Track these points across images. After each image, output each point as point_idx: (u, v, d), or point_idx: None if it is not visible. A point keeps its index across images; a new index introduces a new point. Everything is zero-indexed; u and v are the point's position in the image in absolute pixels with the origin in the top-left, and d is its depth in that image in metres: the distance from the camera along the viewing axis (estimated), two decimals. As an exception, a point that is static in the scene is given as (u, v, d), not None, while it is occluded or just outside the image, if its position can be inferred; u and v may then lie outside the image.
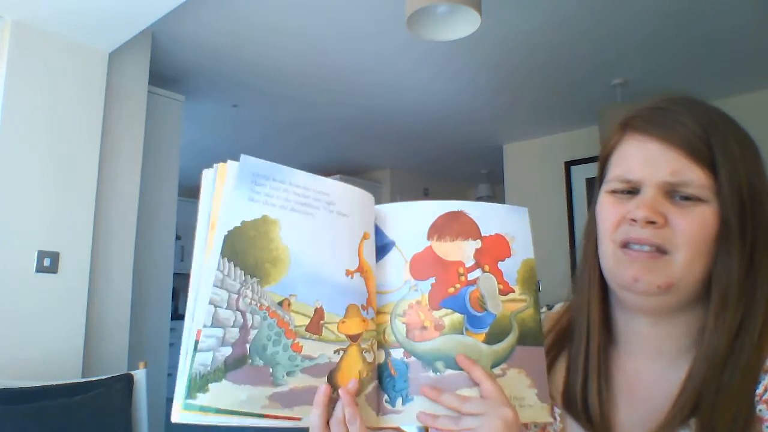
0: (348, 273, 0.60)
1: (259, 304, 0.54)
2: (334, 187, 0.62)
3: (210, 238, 0.55)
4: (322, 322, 0.57)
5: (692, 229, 0.59)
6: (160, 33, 2.92)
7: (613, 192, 0.65)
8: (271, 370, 0.53)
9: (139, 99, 2.83)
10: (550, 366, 0.70)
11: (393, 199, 5.82)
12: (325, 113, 4.23)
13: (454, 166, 5.84)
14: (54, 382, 2.06)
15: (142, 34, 2.66)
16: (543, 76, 3.57)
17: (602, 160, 0.71)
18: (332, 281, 0.59)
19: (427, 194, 6.17)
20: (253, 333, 0.53)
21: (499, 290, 0.64)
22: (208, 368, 0.51)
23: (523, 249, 0.67)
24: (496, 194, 6.05)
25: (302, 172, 0.61)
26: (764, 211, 0.61)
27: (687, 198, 0.60)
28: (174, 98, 3.20)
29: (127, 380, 2.22)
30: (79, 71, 2.50)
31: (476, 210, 0.66)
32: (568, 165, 4.60)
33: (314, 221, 0.59)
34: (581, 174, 4.50)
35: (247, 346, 0.53)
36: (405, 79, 3.60)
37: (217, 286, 0.53)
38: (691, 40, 3.03)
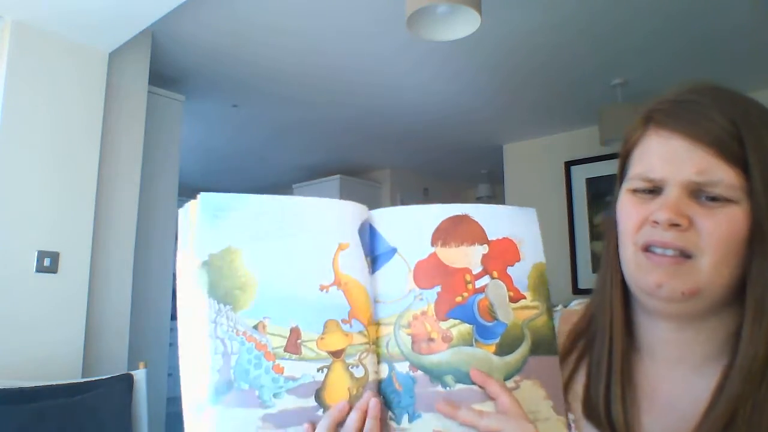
0: (323, 288, 0.58)
1: (235, 330, 0.55)
2: (299, 204, 0.61)
3: (187, 274, 0.57)
4: (299, 341, 0.56)
5: (719, 231, 0.55)
6: (160, 33, 2.92)
7: (635, 191, 0.61)
8: (257, 392, 0.54)
9: (139, 99, 2.83)
10: (571, 372, 0.66)
11: (393, 199, 5.83)
12: (326, 113, 4.23)
13: (454, 166, 5.84)
14: (54, 382, 2.06)
15: (142, 34, 2.66)
16: (543, 76, 3.57)
17: (623, 156, 0.66)
18: (305, 299, 0.57)
19: (427, 194, 6.17)
20: (234, 358, 0.54)
21: (510, 297, 0.61)
22: (201, 395, 0.53)
23: (533, 252, 0.63)
24: (496, 194, 6.05)
25: (264, 196, 0.60)
26: None
27: (714, 198, 0.56)
28: (174, 98, 3.20)
29: (127, 380, 2.22)
30: (79, 71, 2.50)
31: (482, 213, 0.63)
32: (568, 165, 4.60)
33: (279, 243, 0.59)
34: (581, 174, 4.51)
35: (231, 371, 0.54)
36: (405, 79, 3.60)
37: (193, 319, 0.56)
38: (691, 39, 3.03)
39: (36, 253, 2.29)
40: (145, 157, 2.82)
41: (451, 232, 0.61)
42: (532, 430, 0.54)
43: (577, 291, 4.40)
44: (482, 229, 0.62)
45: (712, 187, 0.55)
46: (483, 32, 2.38)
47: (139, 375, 2.27)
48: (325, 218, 0.61)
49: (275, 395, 0.54)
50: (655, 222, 0.57)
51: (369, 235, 0.62)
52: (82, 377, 2.32)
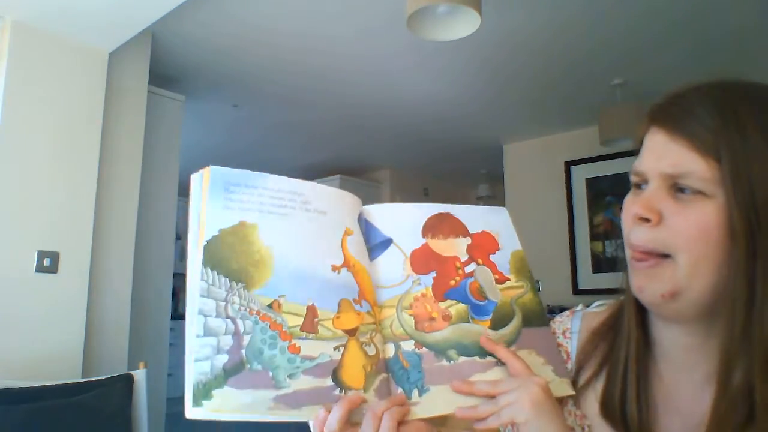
0: (335, 268, 0.60)
1: (248, 309, 0.54)
2: (306, 186, 0.62)
3: (198, 247, 0.55)
4: (316, 319, 0.56)
5: (689, 228, 0.54)
6: (160, 33, 2.92)
7: (634, 186, 0.61)
8: (271, 373, 0.53)
9: (139, 99, 2.83)
10: (593, 373, 0.67)
11: (393, 200, 5.83)
12: (326, 113, 4.23)
13: (454, 166, 5.84)
14: (54, 382, 2.06)
15: (142, 34, 2.67)
16: (543, 76, 3.57)
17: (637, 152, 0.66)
18: (320, 277, 0.59)
19: (427, 194, 6.17)
20: (246, 338, 0.53)
21: (496, 280, 0.68)
22: (209, 376, 0.51)
23: (509, 242, 0.71)
24: (496, 194, 6.05)
25: (273, 175, 0.60)
26: None
27: (687, 191, 0.55)
28: (174, 98, 3.20)
29: (127, 380, 2.22)
30: (79, 71, 2.50)
31: (460, 211, 0.71)
32: (568, 165, 4.60)
33: (293, 221, 0.59)
34: (581, 174, 4.51)
35: (243, 351, 0.52)
36: (405, 79, 3.61)
37: (203, 296, 0.53)
38: (692, 40, 3.03)
39: (36, 253, 2.29)
40: (145, 157, 2.82)
41: (437, 226, 0.68)
42: (543, 381, 0.58)
43: (577, 291, 4.40)
44: (463, 224, 0.70)
45: (683, 179, 0.55)
46: (483, 32, 2.39)
47: (139, 375, 2.26)
48: (330, 203, 0.63)
49: (290, 376, 0.53)
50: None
51: (365, 226, 0.67)
52: (82, 377, 2.32)
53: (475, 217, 0.71)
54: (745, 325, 0.53)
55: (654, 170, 0.57)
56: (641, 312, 0.64)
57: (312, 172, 5.78)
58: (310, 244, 0.60)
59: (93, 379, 2.20)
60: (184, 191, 3.71)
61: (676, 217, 0.55)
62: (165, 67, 3.29)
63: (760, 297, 0.52)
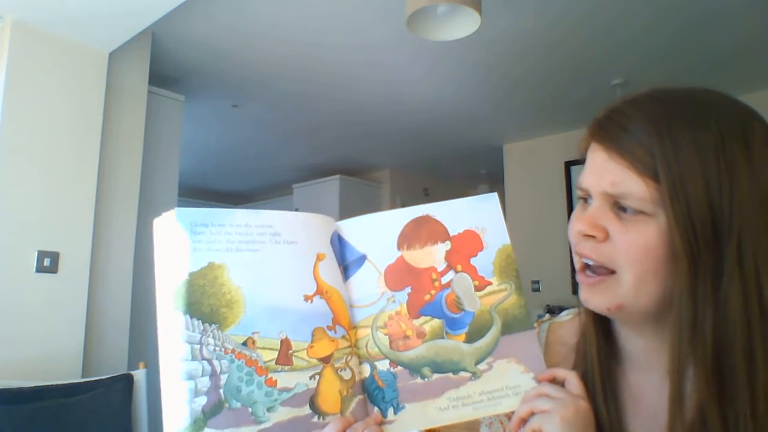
0: (307, 298, 0.60)
1: (223, 349, 0.55)
2: (276, 217, 0.62)
3: (168, 292, 0.56)
4: (290, 351, 0.58)
5: (632, 246, 0.55)
6: (160, 33, 2.92)
7: (580, 199, 0.62)
8: (250, 409, 0.54)
9: (139, 99, 2.83)
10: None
11: (393, 199, 5.83)
12: (326, 113, 4.23)
13: (454, 166, 5.84)
14: (54, 382, 2.06)
15: (142, 34, 2.67)
16: (543, 76, 3.57)
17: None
18: (292, 310, 0.59)
19: (427, 194, 6.17)
20: (223, 378, 0.54)
21: (475, 287, 0.65)
22: (188, 420, 0.52)
23: (496, 238, 0.67)
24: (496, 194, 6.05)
25: (240, 210, 0.60)
26: (744, 230, 0.52)
27: (630, 211, 0.55)
28: (174, 98, 3.20)
29: (127, 380, 2.22)
30: (79, 71, 2.50)
31: (442, 210, 0.67)
32: (568, 165, 4.60)
33: (262, 256, 0.59)
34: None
35: (221, 391, 0.53)
36: (406, 79, 3.61)
37: (177, 341, 0.54)
38: (692, 40, 3.03)
39: (36, 253, 2.29)
40: (145, 157, 2.82)
41: (414, 234, 0.66)
42: (582, 405, 0.58)
43: (577, 291, 4.39)
44: (444, 227, 0.67)
45: (624, 199, 0.55)
46: (483, 32, 2.39)
47: (139, 375, 2.27)
48: (300, 231, 0.63)
49: (269, 409, 0.55)
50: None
51: (339, 245, 0.66)
52: (82, 377, 2.32)
53: (459, 214, 0.67)
54: (691, 341, 0.54)
55: (596, 188, 0.58)
56: (603, 320, 0.65)
57: (312, 172, 5.78)
58: (282, 276, 0.60)
59: (93, 379, 2.20)
60: (184, 191, 3.70)
61: (620, 237, 0.56)
62: (165, 67, 3.29)
63: (702, 314, 0.53)
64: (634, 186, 0.54)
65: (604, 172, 0.57)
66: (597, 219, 0.57)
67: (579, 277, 0.61)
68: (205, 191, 6.70)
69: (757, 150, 0.53)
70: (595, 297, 0.59)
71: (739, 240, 0.52)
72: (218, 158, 5.40)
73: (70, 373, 2.31)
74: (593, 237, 0.57)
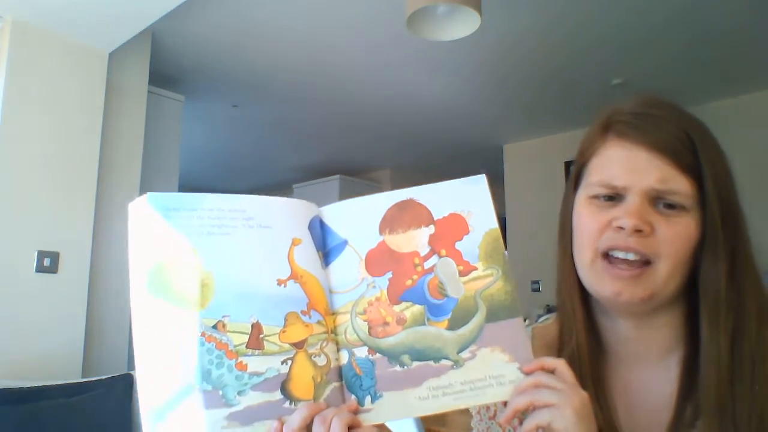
0: (280, 282, 0.60)
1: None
2: (248, 201, 0.62)
3: (140, 275, 0.56)
4: (261, 336, 0.57)
5: (677, 238, 0.59)
6: (160, 33, 2.92)
7: (594, 197, 0.64)
8: (221, 392, 0.54)
9: (139, 99, 2.83)
10: None
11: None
12: (325, 113, 4.23)
13: (454, 166, 5.83)
14: (54, 382, 2.06)
15: (142, 34, 2.66)
16: (543, 76, 3.57)
17: (580, 164, 0.69)
18: (264, 294, 0.59)
19: (427, 194, 6.16)
20: (194, 360, 0.54)
21: (460, 272, 0.63)
22: (161, 401, 0.53)
23: (483, 221, 0.64)
24: (496, 194, 6.04)
25: (213, 194, 0.60)
26: (739, 219, 0.62)
27: (672, 206, 0.60)
28: (174, 98, 3.20)
29: (127, 380, 2.22)
30: (79, 71, 2.50)
31: (426, 193, 0.65)
32: (568, 165, 4.59)
33: (234, 239, 0.59)
34: (581, 174, 4.51)
35: (192, 373, 0.54)
36: (405, 79, 3.61)
37: (149, 323, 0.55)
38: (691, 40, 3.03)
39: (36, 253, 2.29)
40: (145, 157, 2.82)
41: (397, 218, 0.64)
42: (586, 397, 0.57)
43: (577, 291, 4.40)
44: (428, 210, 0.65)
45: (671, 195, 0.60)
46: (483, 32, 2.38)
47: (139, 375, 2.26)
48: (275, 215, 0.62)
49: (240, 393, 0.55)
50: (620, 228, 0.60)
51: (320, 230, 0.65)
52: (82, 377, 2.32)
53: (445, 196, 0.65)
54: (722, 314, 0.60)
55: (638, 184, 0.60)
56: (588, 316, 0.67)
57: (312, 172, 5.78)
58: (253, 260, 0.59)
59: (93, 379, 2.20)
60: (184, 191, 3.72)
61: (665, 230, 0.60)
62: (165, 67, 3.29)
63: (728, 290, 0.60)
64: (680, 183, 0.59)
65: (649, 170, 0.60)
66: (644, 215, 0.60)
67: (612, 272, 0.61)
68: (205, 191, 6.66)
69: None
70: (632, 288, 0.60)
71: (742, 227, 0.62)
72: (218, 158, 5.40)
73: (70, 373, 2.31)
74: (640, 231, 0.59)
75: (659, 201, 0.60)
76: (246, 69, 3.41)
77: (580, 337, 0.66)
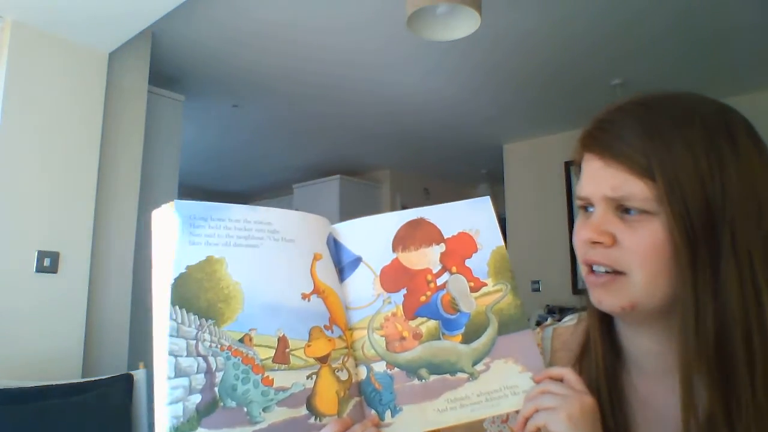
0: (304, 296, 0.60)
1: (219, 345, 0.54)
2: (274, 214, 0.62)
3: (165, 285, 0.54)
4: (287, 350, 0.56)
5: (641, 246, 0.56)
6: (160, 33, 2.92)
7: (581, 208, 0.64)
8: (245, 409, 0.53)
9: (139, 99, 2.83)
10: None
11: (393, 200, 5.82)
12: (325, 113, 4.23)
13: (454, 166, 5.84)
14: (54, 382, 2.06)
15: (142, 34, 2.67)
16: (543, 76, 3.57)
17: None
18: (290, 307, 0.58)
19: (427, 194, 6.17)
20: (219, 375, 0.53)
21: (471, 288, 0.65)
22: (182, 419, 0.50)
23: (490, 240, 0.67)
24: (496, 194, 6.05)
25: (239, 205, 0.60)
26: (736, 219, 0.54)
27: (633, 212, 0.57)
28: (174, 98, 3.20)
29: (127, 380, 2.22)
30: (79, 71, 2.50)
31: (435, 214, 0.67)
32: (568, 165, 4.59)
33: (260, 252, 0.59)
34: (581, 174, 4.50)
35: (216, 389, 0.52)
36: (405, 79, 3.61)
37: (173, 336, 0.52)
38: (692, 39, 3.03)
39: (36, 253, 2.29)
40: (145, 157, 2.82)
41: (409, 237, 0.66)
42: (588, 401, 0.57)
43: (577, 291, 4.39)
44: (438, 229, 0.67)
45: (627, 201, 0.57)
46: (483, 32, 2.38)
47: (139, 375, 2.26)
48: (298, 229, 0.63)
49: (265, 409, 0.53)
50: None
51: (334, 247, 0.66)
52: (82, 377, 2.32)
53: (453, 216, 0.68)
54: (696, 334, 0.55)
55: (596, 194, 0.59)
56: (607, 325, 0.66)
57: (312, 172, 5.78)
58: (279, 274, 0.59)
59: (93, 379, 2.20)
60: (184, 191, 3.70)
61: (628, 238, 0.57)
62: (165, 67, 3.29)
63: (703, 305, 0.55)
64: (634, 187, 0.56)
65: (603, 178, 0.58)
66: (602, 225, 0.58)
67: (588, 279, 0.61)
68: (205, 191, 6.70)
69: (741, 141, 0.56)
70: (609, 297, 0.59)
71: (732, 229, 0.54)
72: (218, 158, 5.40)
73: (70, 373, 2.31)
74: (600, 243, 0.58)
75: (622, 209, 0.58)
76: (246, 69, 3.41)
77: (597, 348, 0.65)
